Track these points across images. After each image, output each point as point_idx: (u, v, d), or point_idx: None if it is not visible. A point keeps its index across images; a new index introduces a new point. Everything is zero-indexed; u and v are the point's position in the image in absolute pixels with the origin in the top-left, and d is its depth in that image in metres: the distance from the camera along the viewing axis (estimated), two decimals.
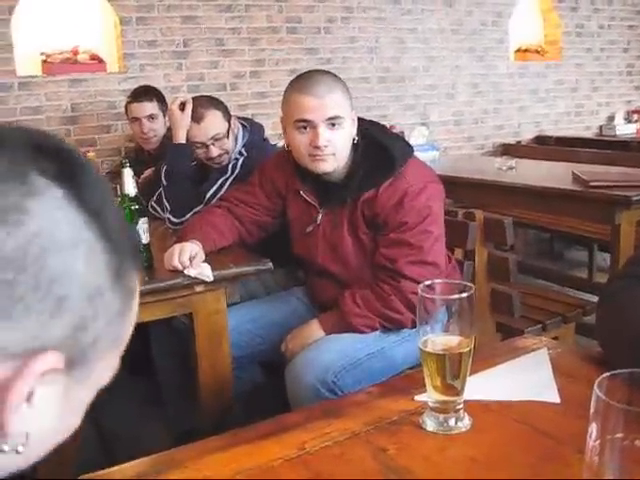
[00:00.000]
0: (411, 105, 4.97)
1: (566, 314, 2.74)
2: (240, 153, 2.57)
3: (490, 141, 5.36)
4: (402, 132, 4.06)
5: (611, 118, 6.00)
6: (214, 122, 2.49)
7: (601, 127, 5.96)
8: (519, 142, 5.44)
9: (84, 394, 0.53)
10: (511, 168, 3.76)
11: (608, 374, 0.72)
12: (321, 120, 1.86)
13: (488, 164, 4.09)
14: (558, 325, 2.71)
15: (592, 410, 0.71)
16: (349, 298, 1.92)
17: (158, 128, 3.27)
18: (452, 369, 1.02)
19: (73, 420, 0.53)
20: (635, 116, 6.00)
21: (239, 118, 2.70)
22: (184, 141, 2.52)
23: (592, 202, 3.00)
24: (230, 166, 2.54)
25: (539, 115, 5.61)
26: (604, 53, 5.92)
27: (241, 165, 2.54)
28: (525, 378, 1.18)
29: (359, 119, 1.99)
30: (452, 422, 1.03)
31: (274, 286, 2.44)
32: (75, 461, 1.87)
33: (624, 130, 5.82)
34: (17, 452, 0.48)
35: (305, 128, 1.88)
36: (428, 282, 1.05)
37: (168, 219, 2.51)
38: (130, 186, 1.92)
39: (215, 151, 2.51)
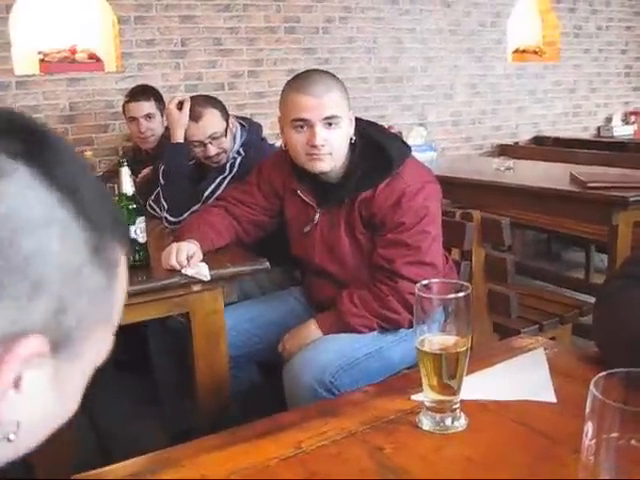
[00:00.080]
0: (409, 105, 4.97)
1: (563, 315, 2.74)
2: (238, 152, 2.57)
3: (488, 142, 5.37)
4: (400, 132, 4.06)
5: (609, 119, 6.01)
6: (212, 121, 2.49)
7: (599, 128, 5.97)
8: (517, 143, 5.45)
9: (77, 375, 0.51)
10: (509, 169, 3.76)
11: (604, 373, 0.72)
12: (318, 119, 1.86)
13: (486, 165, 4.10)
14: (555, 326, 2.71)
15: (588, 409, 0.71)
16: (347, 298, 1.92)
17: (156, 127, 3.27)
18: (449, 369, 1.02)
19: (69, 404, 0.52)
20: (633, 117, 6.01)
21: (237, 117, 2.70)
22: (182, 140, 2.52)
23: (589, 203, 3.00)
24: (228, 165, 2.54)
25: (537, 116, 5.61)
26: (602, 54, 5.92)
27: (239, 164, 2.54)
28: (522, 378, 1.18)
29: (357, 119, 1.99)
30: (448, 422, 1.03)
31: (269, 286, 2.44)
32: (71, 461, 1.86)
33: (622, 131, 5.83)
34: (9, 440, 0.47)
35: (302, 127, 1.88)
36: (425, 282, 1.05)
37: (165, 218, 2.51)
38: (127, 185, 1.92)
39: (213, 150, 2.51)
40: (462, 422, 1.04)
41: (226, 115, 2.56)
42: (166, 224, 2.51)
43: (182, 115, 2.49)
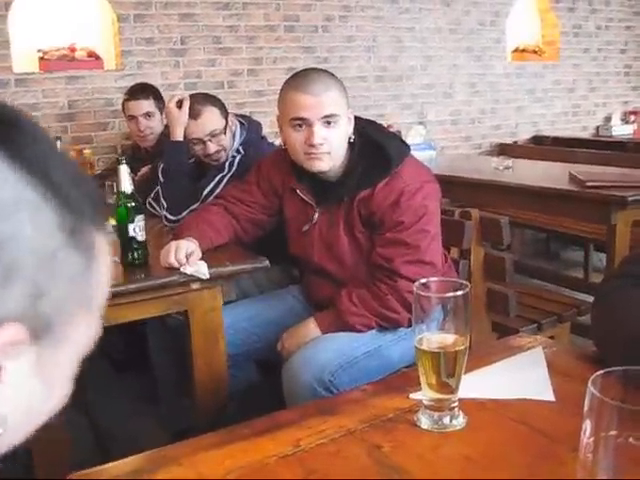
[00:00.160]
0: (408, 104, 4.97)
1: (562, 314, 2.74)
2: (237, 151, 2.57)
3: (487, 141, 5.37)
4: (399, 131, 4.06)
5: (608, 119, 6.01)
6: (211, 118, 2.50)
7: (598, 127, 5.97)
8: (516, 142, 5.45)
9: (63, 361, 0.50)
10: (508, 168, 3.76)
11: (602, 371, 0.72)
12: (317, 118, 1.86)
13: (485, 164, 4.10)
14: (553, 325, 2.71)
15: (586, 407, 0.71)
16: (346, 297, 1.92)
17: (155, 126, 3.26)
18: (447, 367, 1.02)
19: (57, 391, 0.51)
20: (632, 117, 6.01)
21: (237, 116, 2.70)
22: (181, 139, 2.52)
23: (588, 202, 3.01)
24: (227, 164, 2.54)
25: (536, 115, 5.62)
26: (601, 54, 5.93)
27: (238, 163, 2.53)
28: (520, 377, 1.18)
29: (356, 118, 1.99)
30: (447, 420, 1.03)
31: (267, 284, 2.44)
32: (69, 460, 1.86)
33: (621, 131, 5.83)
34: None
35: (301, 126, 1.88)
36: (424, 280, 1.05)
37: (165, 216, 2.51)
38: (126, 183, 1.92)
39: (212, 147, 2.51)
40: (460, 421, 1.04)
41: (225, 113, 2.56)
42: (165, 222, 2.51)
43: (181, 113, 2.49)
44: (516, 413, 1.06)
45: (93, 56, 3.90)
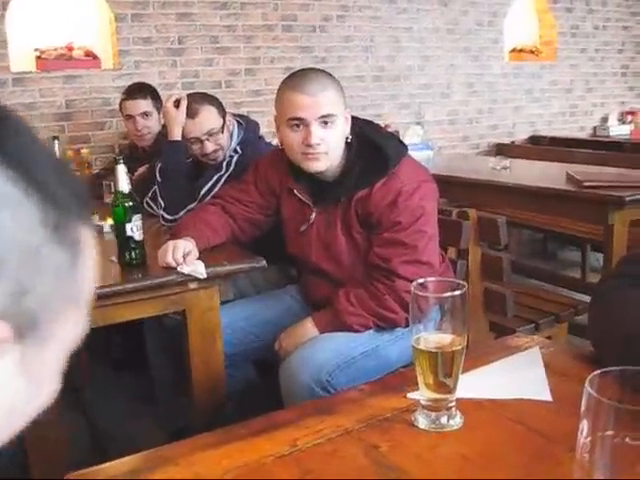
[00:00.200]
0: (406, 104, 4.97)
1: (559, 314, 2.75)
2: (235, 150, 2.57)
3: (485, 141, 5.37)
4: (397, 131, 4.06)
5: (605, 119, 6.02)
6: (208, 117, 2.50)
7: (595, 128, 5.98)
8: (513, 142, 5.45)
9: (49, 359, 0.49)
10: (505, 168, 3.77)
11: (599, 371, 0.72)
12: (314, 118, 1.86)
13: (482, 164, 4.10)
14: (551, 325, 2.72)
15: (583, 407, 0.71)
16: (343, 297, 1.92)
17: (152, 125, 3.26)
18: (444, 367, 1.02)
19: (44, 389, 0.50)
20: (629, 117, 6.02)
21: (235, 115, 2.70)
22: (179, 138, 2.51)
23: (585, 202, 3.01)
24: (225, 163, 2.54)
25: (533, 115, 5.62)
26: (599, 54, 5.93)
27: (236, 162, 2.53)
28: (518, 377, 1.18)
29: (353, 118, 1.99)
30: (444, 420, 1.03)
31: (264, 284, 2.44)
32: (66, 460, 1.86)
33: (618, 131, 5.84)
34: None
35: (298, 126, 1.88)
36: (421, 280, 1.05)
37: (162, 216, 2.50)
38: (124, 183, 1.92)
39: (210, 146, 2.51)
40: (458, 420, 1.04)
41: (223, 112, 2.56)
42: (163, 222, 2.51)
43: (179, 113, 2.49)
44: (513, 413, 1.06)
45: (90, 55, 3.89)
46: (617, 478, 0.70)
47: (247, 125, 2.67)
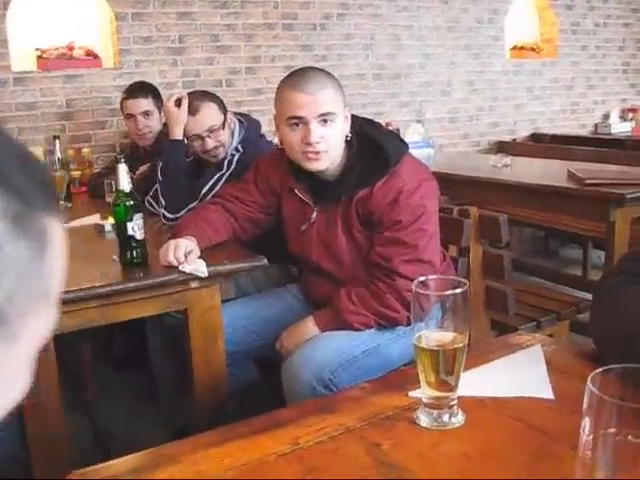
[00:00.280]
0: (406, 102, 4.97)
1: (560, 312, 2.75)
2: (236, 149, 2.57)
3: (485, 138, 5.37)
4: (397, 129, 4.07)
5: (606, 116, 6.01)
6: (209, 114, 2.50)
7: (596, 125, 5.97)
8: (514, 140, 5.45)
9: (18, 357, 0.47)
10: (506, 165, 3.77)
11: (601, 369, 0.72)
12: (313, 116, 1.85)
13: (483, 161, 4.10)
14: (552, 323, 2.72)
15: (585, 405, 0.71)
16: (344, 295, 1.92)
17: (153, 125, 3.26)
18: (446, 365, 1.02)
19: (18, 383, 0.48)
20: (630, 114, 6.01)
21: (236, 114, 2.70)
22: (180, 137, 2.52)
23: (587, 200, 3.01)
24: (226, 162, 2.54)
25: (534, 113, 5.61)
26: (600, 51, 5.92)
27: (237, 161, 2.53)
28: (519, 374, 1.18)
29: (353, 117, 1.98)
30: (446, 418, 1.03)
31: (265, 282, 2.44)
32: (69, 459, 1.86)
33: (619, 128, 5.83)
34: None
35: (297, 125, 1.88)
36: (422, 278, 1.05)
37: (163, 215, 2.51)
38: (125, 182, 1.92)
39: (211, 143, 2.51)
40: (459, 418, 1.04)
41: (224, 109, 2.56)
42: (164, 221, 2.51)
43: (180, 112, 2.49)
44: (515, 411, 1.06)
45: (91, 55, 3.89)
46: (619, 476, 0.70)
47: (248, 124, 2.67)
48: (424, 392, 1.05)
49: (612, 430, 0.69)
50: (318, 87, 1.86)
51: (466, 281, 1.03)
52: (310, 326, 1.95)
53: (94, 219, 2.67)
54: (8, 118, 3.61)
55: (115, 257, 1.97)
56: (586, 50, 5.84)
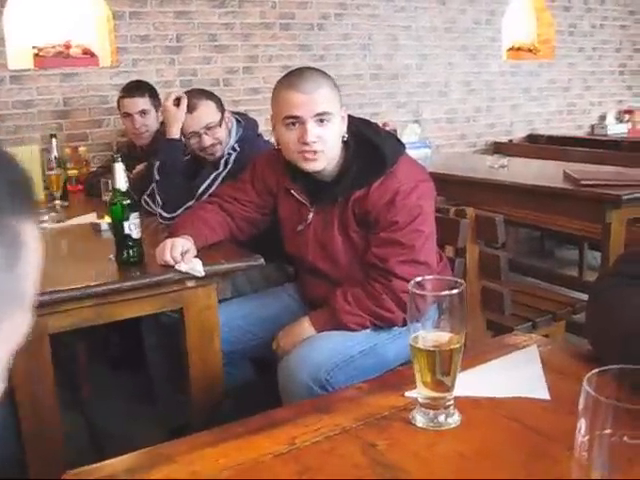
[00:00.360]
0: (404, 102, 4.98)
1: (556, 312, 2.75)
2: (233, 148, 2.57)
3: (482, 139, 5.38)
4: (394, 129, 4.07)
5: (603, 117, 6.02)
6: (207, 112, 2.50)
7: (593, 126, 5.98)
8: (511, 140, 5.46)
9: None
10: (503, 166, 3.77)
11: (597, 370, 0.72)
12: (309, 116, 1.85)
13: (480, 162, 4.11)
14: (548, 323, 2.72)
15: (581, 406, 0.72)
16: (340, 296, 1.92)
17: (150, 123, 3.26)
18: (442, 365, 1.02)
19: None
20: (626, 116, 6.03)
21: (234, 113, 2.70)
22: (177, 136, 2.52)
23: (583, 201, 3.01)
24: (223, 161, 2.54)
25: (531, 114, 5.62)
26: (596, 52, 5.94)
27: (234, 160, 2.53)
28: (515, 375, 1.18)
29: (350, 117, 1.98)
30: (442, 418, 1.03)
31: (261, 282, 2.44)
32: (64, 459, 1.86)
33: (615, 129, 5.85)
34: None
35: (294, 124, 1.87)
36: (419, 279, 1.05)
37: (160, 214, 2.50)
38: (122, 181, 1.91)
39: (208, 140, 2.51)
40: (455, 419, 1.04)
41: (221, 107, 2.56)
42: (160, 220, 2.50)
43: (179, 111, 2.49)
44: (511, 411, 1.07)
45: (88, 53, 3.89)
46: (615, 477, 0.70)
47: (246, 123, 2.67)
48: (420, 392, 1.05)
49: (608, 431, 0.69)
50: (314, 86, 1.86)
51: (463, 281, 1.03)
52: (306, 326, 1.95)
53: (90, 218, 2.66)
54: (4, 116, 3.61)
55: (111, 256, 1.96)
56: (583, 52, 5.85)
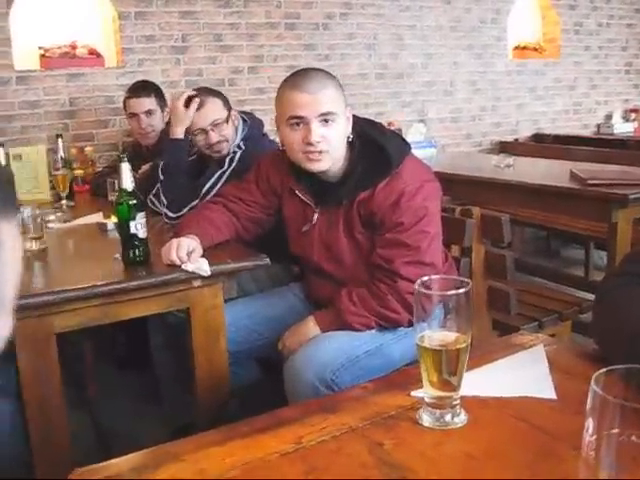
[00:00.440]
0: (409, 102, 4.97)
1: (562, 312, 2.74)
2: (238, 146, 2.57)
3: (488, 138, 5.37)
4: (400, 129, 4.07)
5: (609, 116, 6.01)
6: (213, 109, 2.51)
7: (599, 125, 5.97)
8: (517, 140, 5.45)
9: None
10: (509, 166, 3.76)
11: (605, 370, 0.72)
12: (314, 116, 1.85)
13: (485, 161, 4.10)
14: (554, 323, 2.71)
15: (589, 405, 0.71)
16: (345, 296, 1.92)
17: (156, 124, 3.26)
18: (449, 365, 1.02)
19: None
20: (633, 115, 6.01)
21: (240, 112, 2.71)
22: (181, 137, 2.52)
23: (589, 200, 3.01)
24: (227, 159, 2.54)
25: (537, 113, 5.61)
26: (602, 51, 5.92)
27: (239, 159, 2.54)
28: (522, 374, 1.18)
29: (355, 117, 1.98)
30: (448, 418, 1.03)
31: (266, 282, 2.44)
32: (71, 459, 1.86)
33: (622, 128, 5.83)
34: None
35: (298, 125, 1.87)
36: (425, 278, 1.05)
37: (165, 214, 2.51)
38: (128, 181, 1.92)
39: (214, 137, 2.51)
40: (462, 418, 1.04)
41: (228, 105, 2.57)
42: (166, 219, 2.51)
43: (188, 112, 2.49)
44: (517, 411, 1.06)
45: (94, 53, 3.90)
46: (622, 477, 0.70)
47: (251, 122, 2.67)
48: (427, 392, 1.05)
49: (615, 431, 0.69)
50: (319, 87, 1.86)
51: (469, 281, 1.03)
52: (311, 326, 1.95)
53: (96, 218, 2.67)
54: (11, 117, 3.62)
55: (117, 256, 1.97)
56: (589, 50, 5.83)
